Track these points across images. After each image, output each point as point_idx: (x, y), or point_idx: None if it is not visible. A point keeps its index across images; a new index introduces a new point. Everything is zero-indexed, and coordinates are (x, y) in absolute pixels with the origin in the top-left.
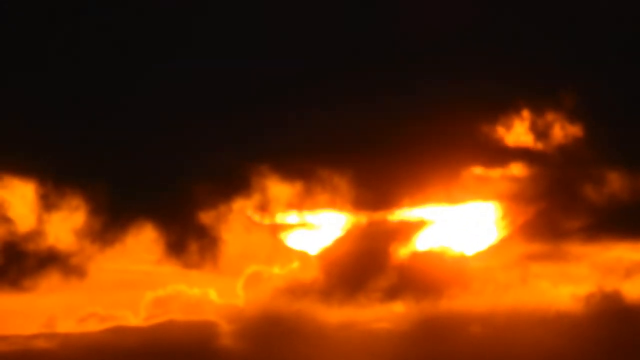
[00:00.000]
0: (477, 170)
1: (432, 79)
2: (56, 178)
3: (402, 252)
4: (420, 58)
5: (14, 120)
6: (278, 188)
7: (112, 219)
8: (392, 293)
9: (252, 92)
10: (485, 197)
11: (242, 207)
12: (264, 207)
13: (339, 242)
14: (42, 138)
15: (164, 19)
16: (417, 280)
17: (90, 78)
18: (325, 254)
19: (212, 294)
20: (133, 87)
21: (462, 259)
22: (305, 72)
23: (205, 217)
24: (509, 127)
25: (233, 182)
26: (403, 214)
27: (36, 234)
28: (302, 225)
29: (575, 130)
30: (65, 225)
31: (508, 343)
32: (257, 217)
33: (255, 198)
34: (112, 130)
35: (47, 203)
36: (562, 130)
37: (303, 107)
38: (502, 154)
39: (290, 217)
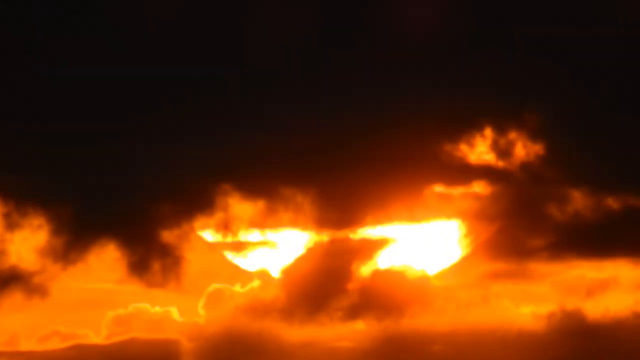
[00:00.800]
0: (439, 188)
1: (393, 97)
2: (18, 197)
3: (363, 270)
4: (383, 76)
5: None
6: (240, 206)
7: (73, 238)
8: (354, 312)
9: (215, 108)
10: (448, 215)
11: (204, 226)
12: (225, 226)
13: (300, 260)
14: (3, 157)
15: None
16: (378, 299)
17: (48, 93)
18: (287, 273)
19: (174, 313)
20: (93, 103)
21: (424, 277)
22: (265, 87)
23: (167, 236)
24: (471, 145)
25: (194, 201)
26: (365, 232)
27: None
28: (264, 243)
29: (537, 149)
30: (27, 244)
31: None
32: (219, 236)
33: (217, 216)
34: (74, 149)
35: (9, 222)
36: (525, 149)
37: (265, 124)
38: (464, 172)
39: (252, 235)
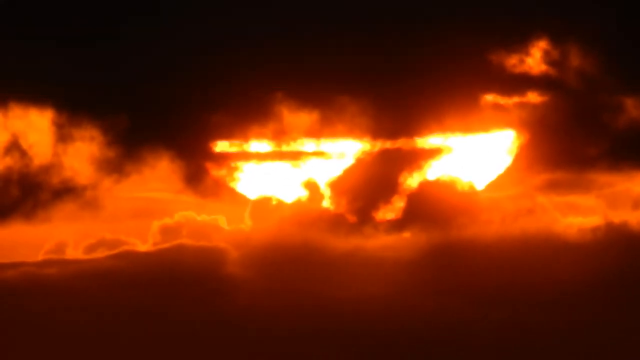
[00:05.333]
0: (492, 97)
1: (447, 5)
2: (72, 109)
3: (411, 181)
4: None
5: (29, 51)
6: (293, 116)
7: (125, 148)
8: (400, 223)
9: (268, 20)
10: (500, 125)
11: (257, 135)
12: (278, 135)
13: (349, 171)
14: (58, 68)
15: None
16: (425, 210)
17: (106, 12)
18: (335, 183)
19: (222, 221)
20: (146, 22)
21: (472, 188)
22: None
23: (219, 146)
24: (525, 55)
25: (248, 112)
26: (416, 142)
27: (50, 165)
28: (317, 154)
29: (591, 59)
30: (79, 156)
31: (514, 272)
32: (271, 145)
33: (270, 126)
34: (126, 62)
35: (62, 134)
36: (579, 58)
37: (319, 36)
38: (518, 82)
39: (305, 145)
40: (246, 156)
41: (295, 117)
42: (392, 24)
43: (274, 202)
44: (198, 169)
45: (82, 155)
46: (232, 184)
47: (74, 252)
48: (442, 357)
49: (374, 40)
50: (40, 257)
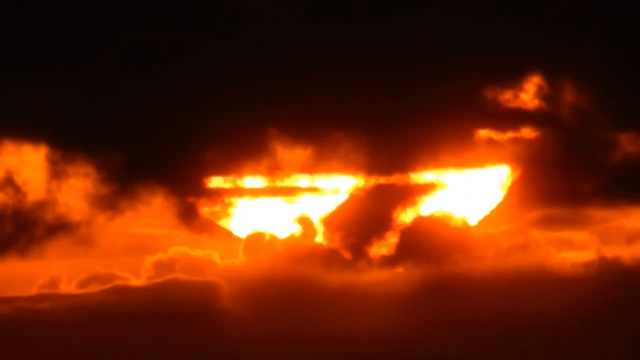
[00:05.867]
0: (486, 133)
1: (442, 41)
2: (66, 146)
3: (405, 217)
4: (432, 20)
5: (25, 88)
6: (287, 152)
7: (120, 185)
8: (393, 258)
9: (262, 57)
10: (493, 161)
11: (252, 171)
12: (272, 171)
13: (342, 206)
14: (52, 106)
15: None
16: (419, 245)
17: (102, 47)
18: (328, 219)
19: (215, 256)
20: (140, 62)
21: (465, 224)
22: (315, 38)
23: (214, 182)
24: (519, 90)
25: (243, 147)
26: (410, 178)
27: (44, 201)
28: (310, 189)
29: (585, 95)
30: (73, 193)
31: (507, 306)
32: (266, 181)
33: (265, 162)
34: (121, 100)
35: (56, 170)
36: (572, 94)
37: (314, 72)
38: (511, 117)
39: (298, 181)
40: (240, 192)
41: (290, 153)
42: (387, 61)
43: (268, 238)
44: (192, 205)
45: (76, 191)
46: (226, 220)
47: (68, 287)
48: None
49: (368, 77)
50: (34, 291)
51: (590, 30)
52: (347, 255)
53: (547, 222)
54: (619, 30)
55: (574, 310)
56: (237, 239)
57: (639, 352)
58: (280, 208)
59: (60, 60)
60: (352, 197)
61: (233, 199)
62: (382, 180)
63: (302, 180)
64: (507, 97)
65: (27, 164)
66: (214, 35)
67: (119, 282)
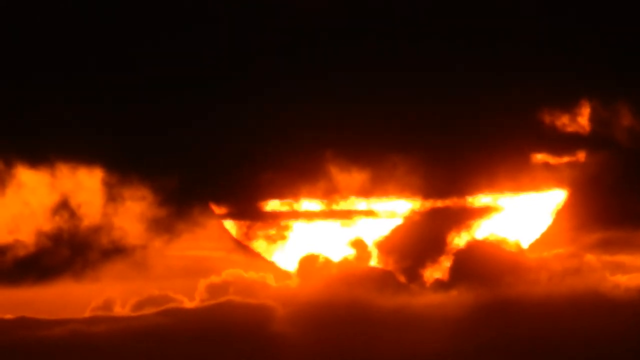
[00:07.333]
0: (542, 157)
1: (500, 65)
2: (122, 169)
3: (459, 240)
4: (486, 47)
5: (79, 110)
6: (344, 175)
7: (175, 208)
8: (448, 281)
9: (318, 79)
10: (548, 185)
11: (308, 195)
12: (328, 195)
13: (397, 230)
14: (108, 128)
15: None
16: (472, 269)
17: (160, 68)
18: (382, 242)
19: (269, 278)
20: (196, 82)
21: (518, 248)
22: (371, 61)
23: (269, 206)
24: (575, 115)
25: (299, 170)
26: (466, 201)
27: (99, 225)
28: (367, 212)
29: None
30: (129, 216)
31: (561, 329)
32: (322, 204)
33: (321, 185)
34: (177, 121)
35: (112, 194)
36: (628, 118)
37: (371, 95)
38: (567, 141)
39: (355, 204)
40: (296, 215)
41: (346, 176)
42: (442, 84)
43: (322, 260)
44: (249, 228)
45: (132, 214)
46: (281, 243)
47: (122, 310)
48: None
49: (425, 101)
50: (87, 314)
51: None
52: (401, 278)
53: (602, 246)
54: None
55: (627, 334)
56: (291, 262)
57: None
58: (335, 231)
59: (115, 81)
60: (407, 221)
61: (289, 222)
62: (438, 203)
63: (358, 203)
64: (563, 121)
65: (82, 188)
66: (272, 55)
67: (172, 305)
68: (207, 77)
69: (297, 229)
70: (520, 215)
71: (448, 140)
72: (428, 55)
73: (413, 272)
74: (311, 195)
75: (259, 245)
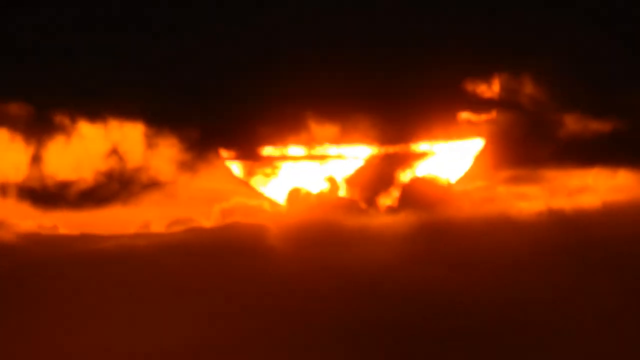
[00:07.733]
0: (466, 115)
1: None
2: (157, 124)
3: (404, 176)
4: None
5: (128, 77)
6: (320, 128)
7: (197, 152)
8: (396, 207)
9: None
10: (472, 135)
11: (293, 142)
12: (308, 142)
13: (360, 169)
14: (149, 94)
15: None
16: (414, 198)
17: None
18: (350, 178)
19: (265, 205)
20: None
21: (448, 183)
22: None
23: (265, 152)
24: (489, 85)
25: (287, 125)
26: (410, 147)
27: (140, 166)
28: (337, 156)
29: (541, 87)
30: (162, 159)
31: (479, 242)
32: (304, 150)
33: (303, 136)
34: (199, 88)
35: (149, 143)
36: (531, 87)
37: (342, 64)
38: (483, 105)
39: (328, 149)
40: (285, 158)
41: (322, 128)
42: (396, 56)
43: (304, 192)
44: (250, 167)
45: (164, 158)
46: (275, 178)
47: (157, 228)
48: (425, 313)
49: (384, 72)
50: (132, 231)
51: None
52: (362, 205)
53: (510, 180)
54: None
55: (529, 248)
56: (282, 193)
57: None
58: (314, 170)
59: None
60: (367, 162)
61: (280, 163)
62: (390, 149)
63: (331, 149)
64: (482, 89)
65: (127, 138)
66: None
67: (194, 224)
68: (207, 35)
69: (286, 168)
70: (450, 158)
71: (399, 103)
72: (381, 33)
73: (371, 200)
74: (296, 142)
75: (258, 180)
